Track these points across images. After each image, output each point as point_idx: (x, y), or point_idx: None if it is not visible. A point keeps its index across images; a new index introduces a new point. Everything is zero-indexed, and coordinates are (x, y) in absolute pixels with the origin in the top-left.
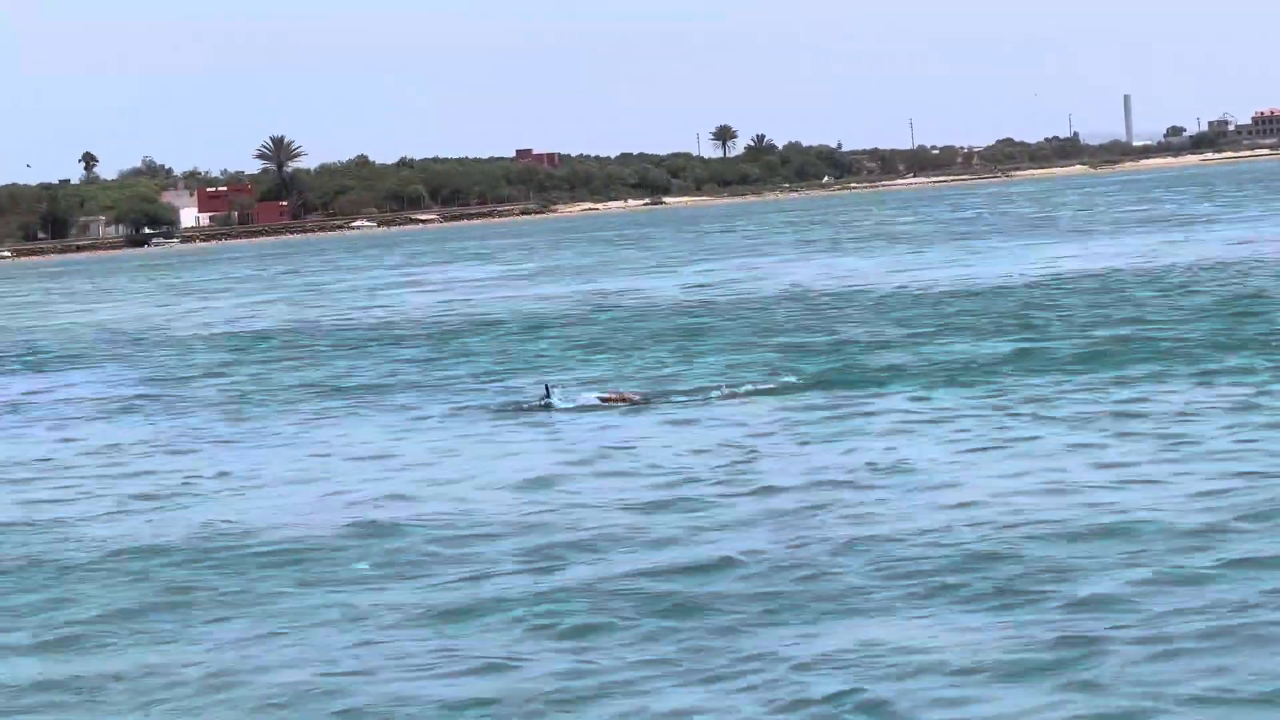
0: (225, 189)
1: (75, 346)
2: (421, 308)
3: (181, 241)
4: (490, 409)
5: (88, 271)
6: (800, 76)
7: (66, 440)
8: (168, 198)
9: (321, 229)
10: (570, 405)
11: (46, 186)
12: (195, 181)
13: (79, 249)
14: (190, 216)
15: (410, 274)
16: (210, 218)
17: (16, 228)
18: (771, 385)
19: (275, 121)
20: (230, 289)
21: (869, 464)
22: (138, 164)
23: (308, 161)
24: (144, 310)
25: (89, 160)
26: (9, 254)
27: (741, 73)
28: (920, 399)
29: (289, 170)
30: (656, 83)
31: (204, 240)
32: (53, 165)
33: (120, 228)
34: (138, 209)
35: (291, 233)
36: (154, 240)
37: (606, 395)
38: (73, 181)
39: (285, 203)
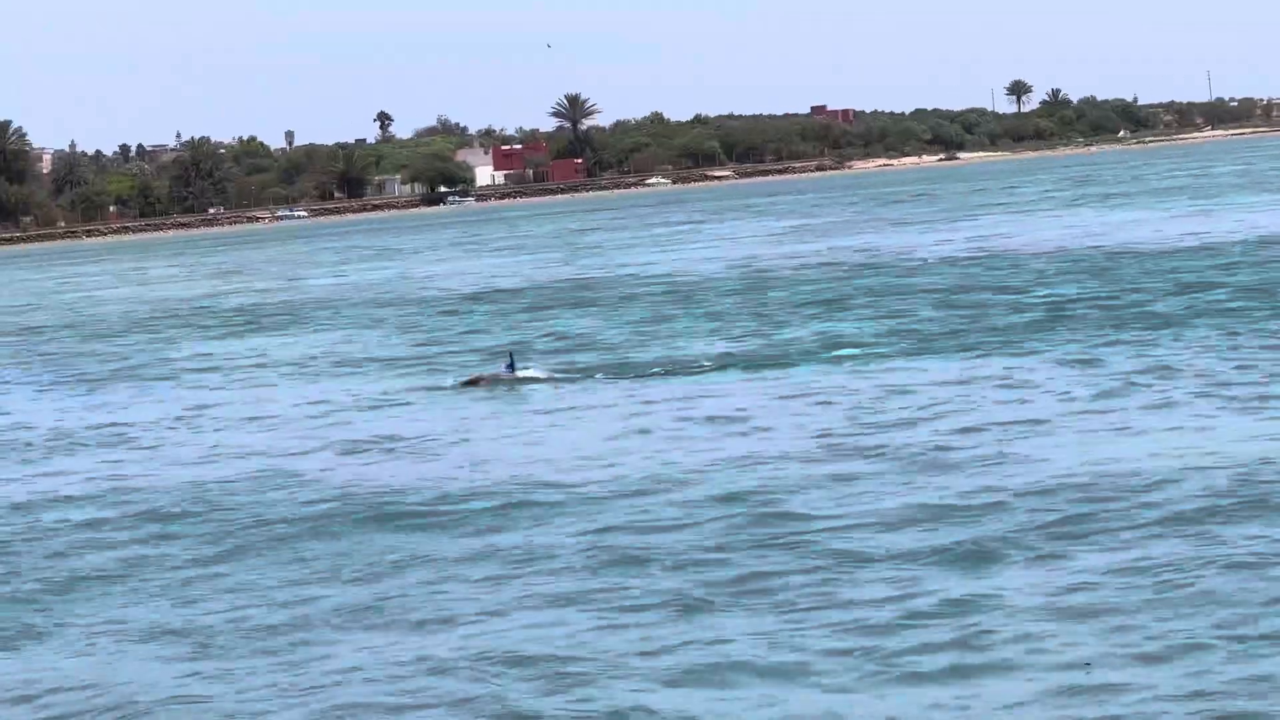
0: (520, 147)
1: (343, 304)
2: (675, 267)
3: (477, 200)
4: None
5: (379, 230)
6: (1096, 29)
7: (309, 397)
8: (462, 156)
9: (616, 186)
10: (525, 374)
11: (342, 146)
12: (490, 140)
13: (374, 208)
14: (485, 175)
15: (686, 232)
16: (505, 176)
17: (313, 187)
18: (911, 346)
19: (570, 79)
20: (516, 246)
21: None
22: (433, 123)
23: (602, 119)
24: (423, 267)
25: (384, 119)
26: (305, 213)
27: (1036, 26)
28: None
29: (583, 128)
30: (951, 38)
31: (499, 199)
32: (349, 125)
33: (415, 186)
34: (432, 167)
35: (586, 190)
36: (449, 199)
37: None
38: (368, 141)
39: (580, 160)
